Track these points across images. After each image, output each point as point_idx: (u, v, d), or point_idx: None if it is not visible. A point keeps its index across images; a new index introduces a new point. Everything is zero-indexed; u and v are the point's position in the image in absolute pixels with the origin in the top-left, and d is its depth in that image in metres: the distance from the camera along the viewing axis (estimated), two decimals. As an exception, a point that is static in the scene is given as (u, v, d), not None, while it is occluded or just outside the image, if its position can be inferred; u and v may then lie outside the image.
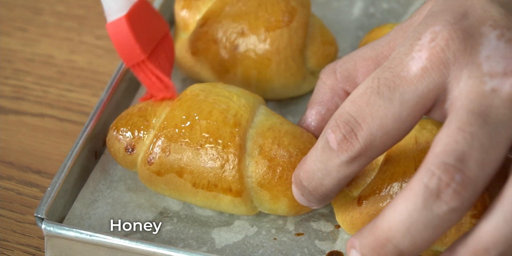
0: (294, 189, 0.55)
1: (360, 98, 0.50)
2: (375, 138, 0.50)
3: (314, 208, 0.57)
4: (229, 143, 0.56)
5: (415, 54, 0.49)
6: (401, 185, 0.54)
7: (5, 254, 0.61)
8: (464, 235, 0.48)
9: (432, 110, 0.50)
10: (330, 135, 0.51)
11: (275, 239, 0.59)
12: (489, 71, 0.48)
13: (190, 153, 0.57)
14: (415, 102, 0.49)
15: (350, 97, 0.51)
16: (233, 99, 0.58)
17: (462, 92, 0.48)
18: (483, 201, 0.53)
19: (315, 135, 0.59)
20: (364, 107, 0.50)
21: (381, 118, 0.49)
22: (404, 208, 0.46)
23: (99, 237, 0.55)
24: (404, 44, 0.51)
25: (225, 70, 0.65)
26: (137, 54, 0.59)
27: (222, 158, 0.56)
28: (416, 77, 0.49)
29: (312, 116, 0.59)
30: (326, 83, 0.58)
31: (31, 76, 0.74)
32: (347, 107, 0.50)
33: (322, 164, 0.52)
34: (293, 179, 0.55)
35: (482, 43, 0.49)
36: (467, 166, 0.46)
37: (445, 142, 0.47)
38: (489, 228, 0.46)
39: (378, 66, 0.56)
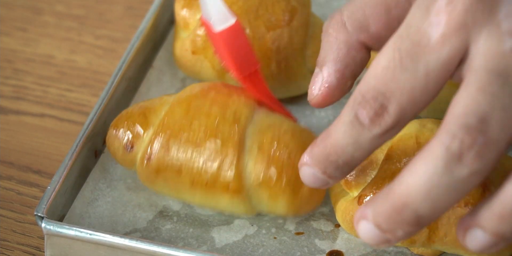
0: (310, 169, 0.52)
1: (384, 72, 0.48)
2: (405, 111, 0.48)
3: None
4: (228, 141, 0.56)
5: (433, 19, 0.48)
6: (402, 183, 0.54)
7: (5, 254, 0.60)
8: (487, 199, 0.46)
9: None
10: (360, 111, 0.49)
11: (275, 238, 0.59)
12: (508, 29, 0.46)
13: (189, 150, 0.57)
14: (440, 70, 0.47)
15: (372, 71, 0.49)
16: (233, 97, 0.58)
17: (480, 52, 0.47)
18: (479, 190, 0.53)
19: (335, 94, 0.55)
20: (390, 82, 0.48)
21: (408, 92, 0.48)
22: (424, 171, 0.45)
23: (99, 236, 0.55)
24: (419, 7, 0.49)
25: (225, 69, 0.65)
26: (253, 61, 0.54)
27: (221, 155, 0.56)
28: (437, 44, 0.47)
29: (331, 75, 0.54)
30: (338, 37, 0.55)
31: (31, 76, 0.74)
32: (372, 82, 0.49)
33: (352, 138, 0.49)
34: (310, 158, 0.52)
35: (501, 1, 0.47)
36: (490, 127, 0.44)
37: (465, 103, 0.45)
38: None
39: (388, 11, 0.53)
